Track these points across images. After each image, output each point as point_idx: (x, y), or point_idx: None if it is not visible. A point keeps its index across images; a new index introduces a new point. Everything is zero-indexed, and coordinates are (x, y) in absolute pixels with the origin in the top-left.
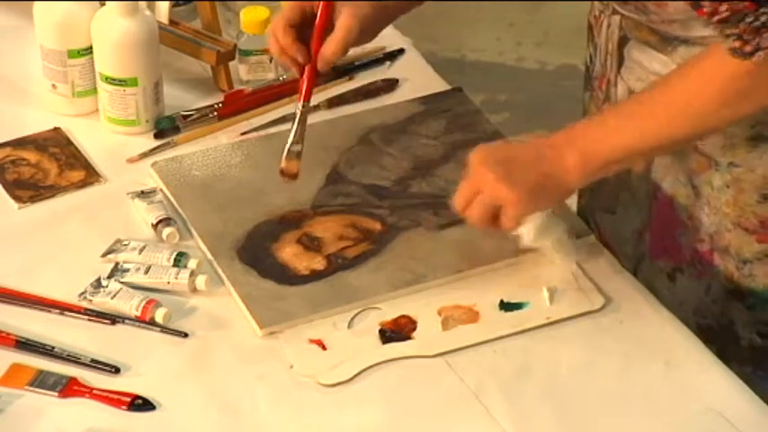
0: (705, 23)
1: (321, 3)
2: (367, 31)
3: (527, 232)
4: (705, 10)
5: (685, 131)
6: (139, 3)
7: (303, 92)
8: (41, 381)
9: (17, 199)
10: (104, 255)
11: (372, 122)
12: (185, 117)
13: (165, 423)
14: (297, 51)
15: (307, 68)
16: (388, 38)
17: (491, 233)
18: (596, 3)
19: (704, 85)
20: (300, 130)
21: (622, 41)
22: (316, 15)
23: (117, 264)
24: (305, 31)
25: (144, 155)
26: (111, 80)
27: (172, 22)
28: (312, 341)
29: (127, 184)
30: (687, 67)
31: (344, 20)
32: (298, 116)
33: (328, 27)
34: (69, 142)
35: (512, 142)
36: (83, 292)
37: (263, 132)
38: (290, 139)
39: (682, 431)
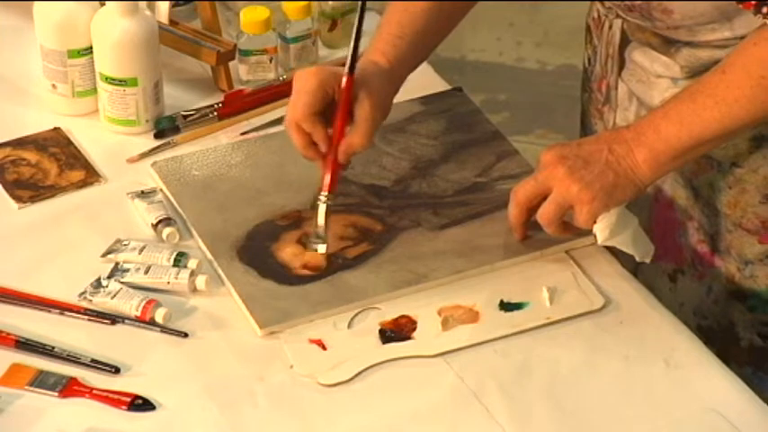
0: (754, 12)
1: (344, 91)
2: (386, 111)
3: (601, 230)
4: (753, 2)
5: (754, 111)
6: (139, 3)
7: (329, 183)
8: (41, 381)
9: (17, 199)
10: (104, 255)
11: None
12: (185, 117)
13: (165, 423)
14: (323, 141)
15: (329, 159)
16: None
17: (495, 232)
18: (596, 5)
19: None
20: (325, 224)
21: (624, 44)
22: (335, 100)
23: (117, 264)
24: (325, 115)
25: (144, 155)
26: (111, 80)
27: (172, 22)
28: (312, 341)
29: (127, 184)
30: (746, 47)
31: (367, 111)
32: (322, 209)
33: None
34: (69, 142)
35: (582, 141)
36: (83, 292)
37: (262, 132)
38: (314, 234)
39: (682, 431)
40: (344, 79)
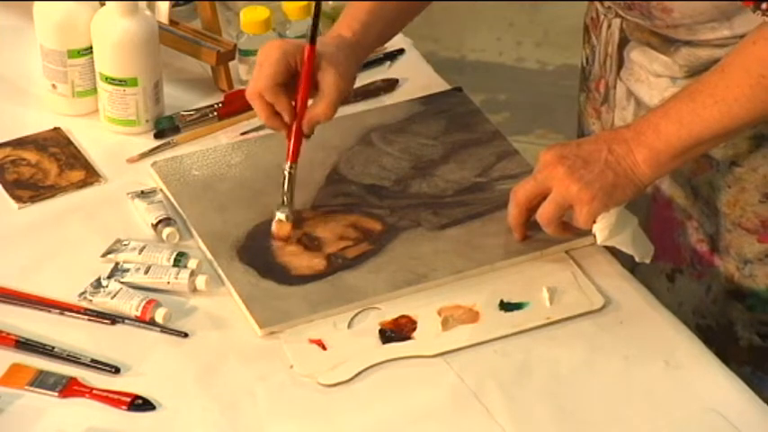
0: (753, 9)
1: (305, 61)
2: (350, 83)
3: (600, 230)
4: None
5: (753, 110)
6: (139, 3)
7: (291, 152)
8: (41, 381)
9: (17, 199)
10: (104, 255)
11: (372, 122)
12: (185, 117)
13: (165, 423)
14: (286, 111)
15: (294, 128)
16: None
17: (495, 232)
18: (595, 4)
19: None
20: (290, 193)
21: (622, 43)
22: (298, 72)
23: (117, 264)
24: (288, 87)
25: (144, 155)
26: (111, 80)
27: (172, 22)
28: (312, 341)
29: (127, 184)
30: (745, 46)
31: (331, 80)
32: (286, 177)
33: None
34: (69, 142)
35: (581, 140)
36: (83, 292)
37: (262, 132)
38: (279, 203)
39: (682, 431)
40: (306, 49)
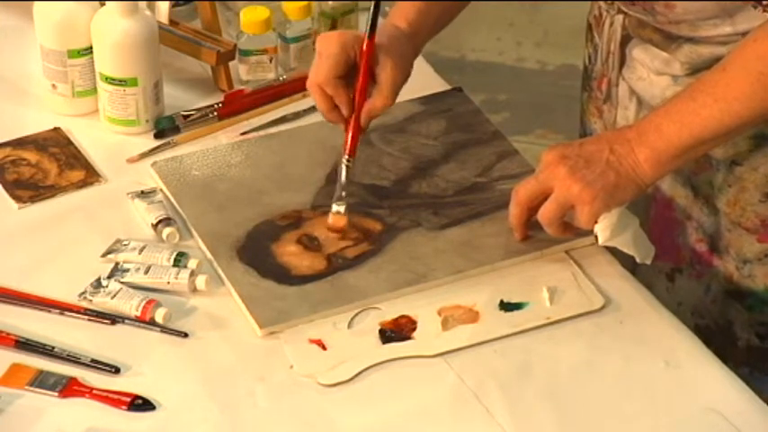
0: (754, 6)
1: (364, 56)
2: (407, 74)
3: (602, 230)
4: None
5: (753, 108)
6: (139, 3)
7: (349, 146)
8: (41, 381)
9: (17, 199)
10: (104, 255)
11: (372, 122)
12: (185, 117)
13: (165, 423)
14: (345, 104)
15: (352, 122)
16: None
17: (495, 232)
18: (599, 2)
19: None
20: (345, 187)
21: (625, 40)
22: (357, 65)
23: (117, 264)
24: (347, 79)
25: (144, 155)
26: (111, 80)
27: (172, 22)
28: (312, 341)
29: (127, 184)
30: (746, 44)
31: (389, 73)
32: (344, 172)
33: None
34: (69, 142)
35: (583, 140)
36: (83, 292)
37: (262, 132)
38: (336, 196)
39: (682, 431)
40: (365, 43)
